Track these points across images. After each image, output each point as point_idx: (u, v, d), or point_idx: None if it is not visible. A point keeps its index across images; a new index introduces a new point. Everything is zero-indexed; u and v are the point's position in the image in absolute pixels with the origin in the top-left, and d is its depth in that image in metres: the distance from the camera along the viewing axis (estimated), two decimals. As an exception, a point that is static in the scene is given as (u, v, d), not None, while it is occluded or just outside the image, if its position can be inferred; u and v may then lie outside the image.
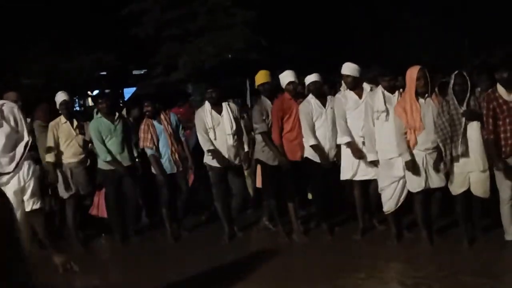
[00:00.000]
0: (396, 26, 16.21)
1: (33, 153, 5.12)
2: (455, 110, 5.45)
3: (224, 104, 6.53)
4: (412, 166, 5.62)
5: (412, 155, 5.64)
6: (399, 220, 6.06)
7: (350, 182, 6.29)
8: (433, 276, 5.01)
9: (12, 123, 3.38)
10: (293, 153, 6.36)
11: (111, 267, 6.50)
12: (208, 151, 6.39)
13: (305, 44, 15.18)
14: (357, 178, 6.18)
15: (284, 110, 6.34)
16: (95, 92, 15.43)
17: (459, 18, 15.45)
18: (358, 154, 6.02)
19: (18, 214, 3.33)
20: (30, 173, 3.34)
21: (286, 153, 6.33)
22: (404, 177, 5.78)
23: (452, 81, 5.49)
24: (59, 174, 6.67)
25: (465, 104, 5.46)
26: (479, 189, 5.55)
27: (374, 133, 5.91)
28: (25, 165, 3.34)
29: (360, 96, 6.14)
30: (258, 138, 6.51)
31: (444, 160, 5.55)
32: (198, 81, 14.44)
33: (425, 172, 5.66)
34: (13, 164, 3.30)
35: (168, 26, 14.86)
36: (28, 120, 6.21)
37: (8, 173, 3.28)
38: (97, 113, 6.90)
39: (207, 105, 6.51)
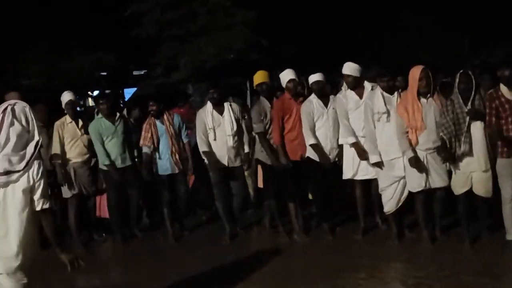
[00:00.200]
0: (396, 26, 16.18)
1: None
2: (459, 108, 5.45)
3: (226, 105, 6.52)
4: (415, 163, 5.60)
5: (415, 151, 5.63)
6: (400, 220, 6.06)
7: (351, 181, 6.29)
8: (434, 276, 5.01)
9: (24, 122, 3.41)
10: (294, 153, 6.35)
11: (111, 267, 6.50)
12: (203, 152, 6.39)
13: (305, 44, 15.15)
14: (358, 177, 6.18)
15: (285, 110, 6.33)
16: (95, 92, 15.40)
17: (459, 18, 15.43)
18: (364, 155, 6.00)
19: (26, 213, 3.36)
20: (40, 172, 3.36)
21: (287, 153, 6.32)
22: (404, 177, 5.78)
23: (457, 80, 5.49)
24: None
25: (469, 103, 5.46)
26: (481, 189, 5.54)
27: (375, 134, 5.91)
28: (35, 164, 3.36)
29: (361, 96, 6.13)
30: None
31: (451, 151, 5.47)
32: (199, 81, 14.43)
33: (426, 172, 5.66)
34: (24, 163, 3.32)
35: (168, 26, 14.85)
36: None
37: (18, 171, 3.30)
38: (97, 114, 6.91)
39: (208, 105, 6.50)
